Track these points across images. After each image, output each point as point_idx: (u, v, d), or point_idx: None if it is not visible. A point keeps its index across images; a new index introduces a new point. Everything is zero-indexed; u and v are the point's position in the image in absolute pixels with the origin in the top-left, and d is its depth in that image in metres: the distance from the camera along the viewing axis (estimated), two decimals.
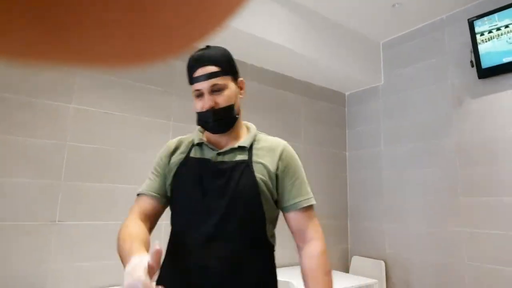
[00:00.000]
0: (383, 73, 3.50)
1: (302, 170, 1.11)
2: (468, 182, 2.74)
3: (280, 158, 1.06)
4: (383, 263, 3.13)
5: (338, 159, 3.67)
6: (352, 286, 2.46)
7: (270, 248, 1.06)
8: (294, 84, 3.39)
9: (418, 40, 3.24)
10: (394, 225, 3.19)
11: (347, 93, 3.84)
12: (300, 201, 1.05)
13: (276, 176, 1.04)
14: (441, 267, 2.81)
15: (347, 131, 3.78)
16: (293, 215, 1.06)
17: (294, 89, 3.39)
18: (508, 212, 2.50)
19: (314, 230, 1.05)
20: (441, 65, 3.03)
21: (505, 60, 2.55)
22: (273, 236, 1.09)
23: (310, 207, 1.07)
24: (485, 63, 2.65)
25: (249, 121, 1.19)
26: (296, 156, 1.12)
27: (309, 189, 1.10)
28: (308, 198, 1.07)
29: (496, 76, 2.64)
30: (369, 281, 2.59)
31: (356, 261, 3.36)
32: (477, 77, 2.73)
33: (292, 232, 1.08)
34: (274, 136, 1.15)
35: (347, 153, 3.74)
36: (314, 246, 1.03)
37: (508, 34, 2.54)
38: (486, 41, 2.64)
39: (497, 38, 2.59)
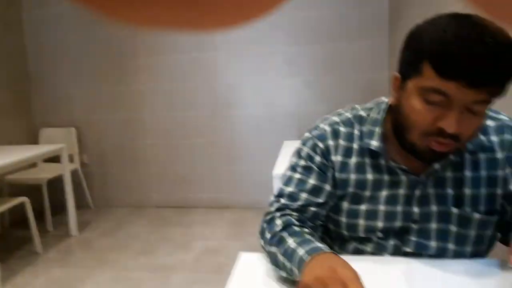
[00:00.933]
0: None
1: None
2: (147, 44, 2.95)
3: None
4: (74, 130, 3.08)
5: (11, 20, 3.01)
6: (36, 153, 2.31)
7: None
8: None
9: None
10: (83, 90, 3.11)
11: None
12: None
13: None
14: (129, 120, 3.09)
15: None
16: None
17: None
18: (178, 68, 2.94)
19: None
20: None
21: None
22: None
23: None
24: None
25: None
26: None
27: None
28: None
29: None
30: (55, 147, 2.50)
31: (45, 133, 3.14)
32: None
33: None
34: None
35: (23, 13, 3.10)
36: None
37: None
38: None
39: None
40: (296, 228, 0.81)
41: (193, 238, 2.62)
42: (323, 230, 0.96)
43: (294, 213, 0.86)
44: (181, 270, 2.23)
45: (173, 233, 2.71)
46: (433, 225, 0.83)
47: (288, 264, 0.74)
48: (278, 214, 0.86)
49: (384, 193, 0.84)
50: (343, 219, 0.88)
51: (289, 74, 2.83)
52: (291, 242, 0.77)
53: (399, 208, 0.84)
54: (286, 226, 0.82)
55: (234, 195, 3.07)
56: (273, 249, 0.80)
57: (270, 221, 0.86)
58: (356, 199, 0.86)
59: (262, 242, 0.86)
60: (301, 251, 0.72)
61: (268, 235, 0.84)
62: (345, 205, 0.87)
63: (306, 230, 0.82)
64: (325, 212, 0.89)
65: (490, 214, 0.81)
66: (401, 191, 0.83)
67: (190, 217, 2.99)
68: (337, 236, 0.93)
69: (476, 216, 0.80)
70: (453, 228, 0.82)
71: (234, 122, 2.97)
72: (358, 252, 0.90)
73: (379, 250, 0.88)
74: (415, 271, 0.80)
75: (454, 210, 0.81)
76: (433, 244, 0.83)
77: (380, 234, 0.86)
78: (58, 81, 3.13)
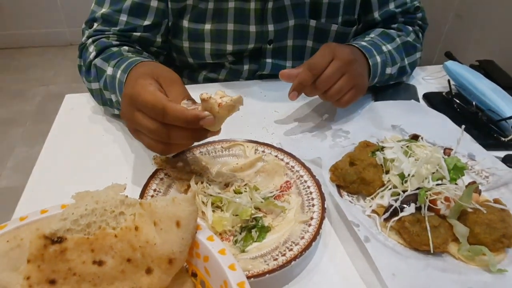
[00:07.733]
0: None
1: None
2: None
3: None
4: None
5: None
6: None
7: None
8: None
9: None
10: None
11: None
12: None
13: None
14: None
15: None
16: None
17: None
18: None
19: None
20: None
21: None
22: None
23: None
24: None
25: None
26: None
27: None
28: None
29: None
30: None
31: None
32: None
33: None
34: None
35: None
36: None
37: None
38: None
39: None
40: (114, 49, 0.61)
41: (31, 85, 2.20)
42: (166, 60, 0.78)
43: (114, 37, 0.65)
44: (21, 123, 1.91)
45: (3, 81, 2.23)
46: (289, 43, 0.73)
47: (113, 97, 0.58)
48: (90, 41, 0.64)
49: (231, 5, 0.67)
50: (185, 43, 0.71)
51: None
52: (108, 68, 0.58)
53: (252, 29, 0.70)
54: (101, 51, 0.61)
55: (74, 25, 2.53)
56: (95, 85, 0.62)
57: (83, 52, 0.65)
58: (198, 15, 0.68)
59: (83, 81, 0.66)
60: (118, 73, 0.54)
61: (83, 70, 0.64)
62: (185, 24, 0.69)
63: (126, 47, 0.63)
64: (158, 37, 0.69)
65: (347, 25, 0.74)
66: (252, 5, 0.67)
67: (23, 59, 2.46)
68: (184, 65, 0.77)
69: (333, 27, 0.72)
70: (309, 43, 0.74)
71: None
72: (210, 82, 0.78)
73: (233, 77, 0.77)
74: (270, 91, 0.74)
75: (312, 22, 0.71)
76: (289, 63, 0.75)
77: (231, 58, 0.74)
78: None
